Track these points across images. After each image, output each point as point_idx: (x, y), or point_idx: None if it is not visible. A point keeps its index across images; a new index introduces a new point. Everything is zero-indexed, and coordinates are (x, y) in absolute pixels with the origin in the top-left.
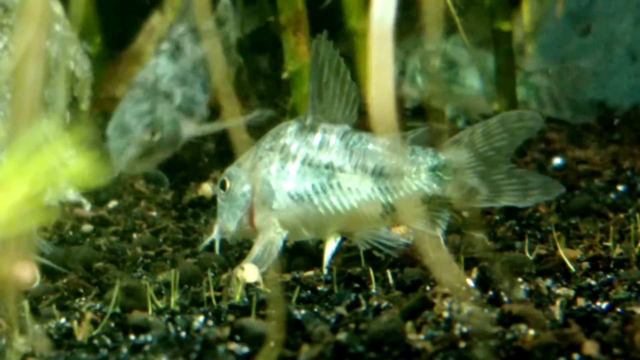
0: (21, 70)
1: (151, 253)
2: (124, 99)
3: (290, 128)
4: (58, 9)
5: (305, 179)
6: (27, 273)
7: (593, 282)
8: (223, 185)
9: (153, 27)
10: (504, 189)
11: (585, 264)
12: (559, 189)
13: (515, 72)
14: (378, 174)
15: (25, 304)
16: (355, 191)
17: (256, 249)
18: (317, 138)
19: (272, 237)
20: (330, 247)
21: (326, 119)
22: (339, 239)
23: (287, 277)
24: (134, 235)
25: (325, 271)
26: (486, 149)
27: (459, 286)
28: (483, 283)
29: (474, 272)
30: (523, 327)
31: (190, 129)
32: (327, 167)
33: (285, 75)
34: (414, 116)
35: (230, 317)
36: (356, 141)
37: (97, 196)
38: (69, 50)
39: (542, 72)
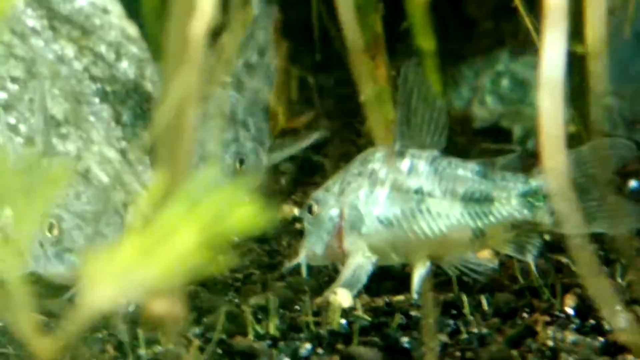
0: (179, 116)
1: (239, 276)
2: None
3: (379, 154)
4: (133, 30)
5: (395, 204)
6: (179, 310)
7: None
8: (310, 209)
9: (222, 46)
10: (596, 215)
11: None
12: None
13: (589, 94)
14: (468, 199)
15: (124, 328)
16: (444, 216)
17: (346, 273)
18: (405, 163)
19: (361, 262)
20: (419, 271)
21: (415, 144)
22: (427, 263)
23: (379, 301)
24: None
25: (415, 296)
26: (578, 175)
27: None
28: (582, 311)
29: (570, 299)
30: (630, 357)
31: (266, 159)
32: (416, 192)
33: (362, 98)
34: (485, 137)
35: (336, 345)
36: (445, 166)
37: None
38: (146, 72)
39: (614, 93)
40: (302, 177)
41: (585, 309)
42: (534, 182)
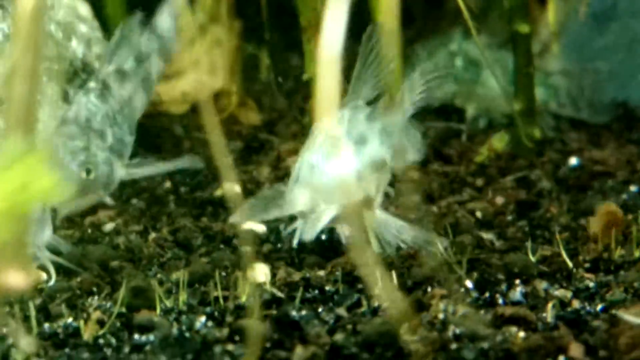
0: (10, 88)
1: (168, 252)
2: (54, 134)
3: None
4: (84, 10)
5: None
6: (18, 280)
7: (591, 284)
8: None
9: None
10: None
11: (587, 266)
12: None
13: (533, 73)
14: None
15: (30, 303)
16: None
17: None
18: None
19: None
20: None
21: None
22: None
23: (297, 276)
24: (153, 234)
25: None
26: None
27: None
28: (482, 285)
29: (476, 274)
30: (514, 329)
31: (121, 172)
32: None
33: (305, 77)
34: (437, 116)
35: (232, 318)
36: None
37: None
38: (95, 51)
39: (563, 73)
40: (246, 154)
41: (485, 283)
42: None
